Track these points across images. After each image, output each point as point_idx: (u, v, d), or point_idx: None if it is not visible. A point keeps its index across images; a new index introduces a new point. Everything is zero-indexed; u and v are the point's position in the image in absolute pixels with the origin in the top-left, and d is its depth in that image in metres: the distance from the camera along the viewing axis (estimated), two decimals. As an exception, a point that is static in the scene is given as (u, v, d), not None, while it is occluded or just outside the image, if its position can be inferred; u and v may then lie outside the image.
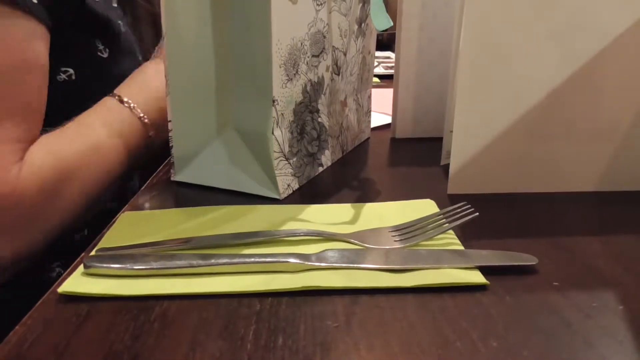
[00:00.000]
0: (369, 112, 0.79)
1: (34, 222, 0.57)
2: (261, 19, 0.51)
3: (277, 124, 0.54)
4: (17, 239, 0.56)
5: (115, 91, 0.68)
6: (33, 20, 0.57)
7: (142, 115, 0.68)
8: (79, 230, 0.70)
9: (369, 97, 0.79)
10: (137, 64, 0.76)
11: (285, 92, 0.54)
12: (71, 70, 0.67)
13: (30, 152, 0.57)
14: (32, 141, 0.58)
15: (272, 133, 0.54)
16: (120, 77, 0.72)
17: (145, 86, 0.70)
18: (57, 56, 0.61)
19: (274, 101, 0.53)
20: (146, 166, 0.71)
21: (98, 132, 0.63)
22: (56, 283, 0.40)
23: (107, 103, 0.67)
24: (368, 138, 0.80)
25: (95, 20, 0.69)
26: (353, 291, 0.39)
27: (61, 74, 0.66)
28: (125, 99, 0.67)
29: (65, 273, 0.41)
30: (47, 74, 0.60)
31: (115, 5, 0.76)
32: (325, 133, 0.64)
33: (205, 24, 0.55)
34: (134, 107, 0.67)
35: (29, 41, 0.57)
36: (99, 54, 0.70)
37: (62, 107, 0.61)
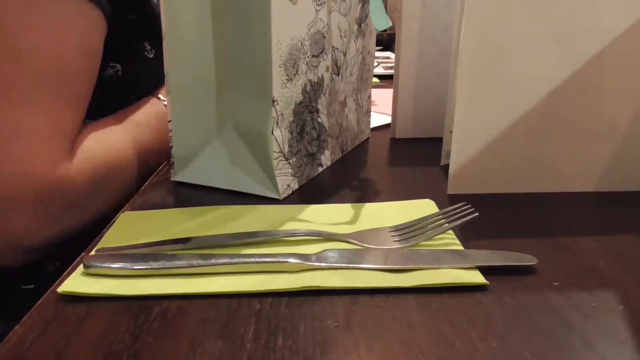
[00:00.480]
0: (368, 112, 0.80)
1: (77, 211, 0.58)
2: (261, 19, 0.50)
3: (277, 124, 0.54)
4: (58, 225, 0.57)
5: (158, 94, 0.71)
6: (98, 11, 0.59)
7: None
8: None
9: (369, 97, 0.79)
10: None
11: (285, 92, 0.54)
12: (118, 66, 0.69)
13: (82, 142, 0.58)
14: (78, 129, 0.59)
15: (272, 133, 0.54)
16: (162, 78, 0.74)
17: None
18: (108, 51, 0.63)
19: (273, 101, 0.53)
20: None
21: (144, 131, 0.66)
22: (56, 283, 0.40)
23: (153, 103, 0.70)
24: (368, 138, 0.80)
25: (150, 22, 0.70)
26: (353, 291, 0.39)
27: (109, 69, 0.68)
28: (165, 99, 0.69)
29: (65, 273, 0.41)
30: (99, 63, 0.62)
31: None
32: (324, 133, 0.64)
33: (205, 24, 0.55)
34: None
35: (92, 32, 0.59)
36: (145, 53, 0.72)
37: (104, 100, 0.63)
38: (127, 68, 0.69)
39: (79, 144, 0.58)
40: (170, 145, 0.59)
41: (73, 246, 0.66)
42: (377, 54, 1.73)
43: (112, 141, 0.62)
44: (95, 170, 0.58)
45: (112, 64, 0.68)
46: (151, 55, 0.73)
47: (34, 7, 0.55)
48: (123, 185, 0.63)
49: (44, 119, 0.55)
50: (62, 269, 0.42)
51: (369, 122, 0.80)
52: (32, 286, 0.65)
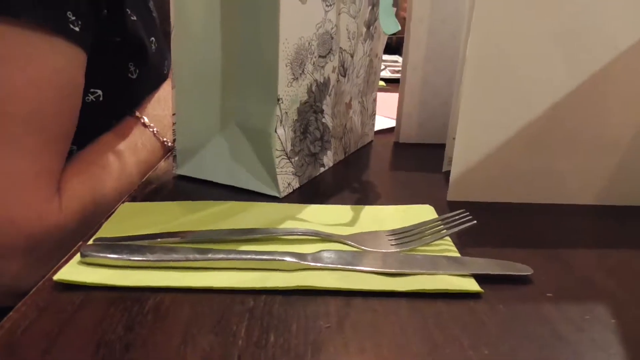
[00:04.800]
0: (373, 115, 0.80)
1: (68, 250, 0.57)
2: (269, 17, 0.51)
3: (281, 123, 0.54)
4: (49, 265, 0.56)
5: (138, 113, 0.70)
6: (75, 48, 0.57)
7: (164, 139, 0.71)
8: None
9: (374, 100, 0.79)
10: (162, 80, 0.77)
11: (290, 91, 0.54)
12: (99, 92, 0.67)
13: (67, 183, 0.57)
14: (62, 168, 0.58)
15: (275, 131, 0.54)
16: (144, 95, 0.73)
17: (166, 106, 0.73)
18: (89, 78, 0.61)
19: (278, 100, 0.53)
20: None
21: (129, 163, 0.65)
22: (52, 270, 0.40)
23: (133, 127, 0.69)
24: (371, 141, 0.80)
25: (135, 42, 0.69)
26: (347, 293, 0.39)
27: (89, 95, 0.66)
28: (149, 123, 0.69)
29: (62, 261, 0.41)
30: (81, 100, 0.60)
31: (153, 13, 0.77)
32: (328, 134, 0.64)
33: (214, 19, 0.55)
34: (157, 132, 0.70)
35: (70, 69, 0.57)
36: (129, 75, 0.71)
37: (82, 126, 0.61)
38: (109, 92, 0.68)
39: (65, 186, 0.57)
40: (173, 138, 0.59)
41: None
42: (385, 56, 1.73)
43: (102, 183, 0.61)
44: (85, 209, 0.57)
45: (92, 90, 0.66)
46: (134, 76, 0.71)
47: (6, 51, 0.53)
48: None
49: (26, 163, 0.54)
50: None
51: (373, 125, 0.80)
52: None
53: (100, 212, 0.58)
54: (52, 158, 0.57)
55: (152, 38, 0.74)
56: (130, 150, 0.66)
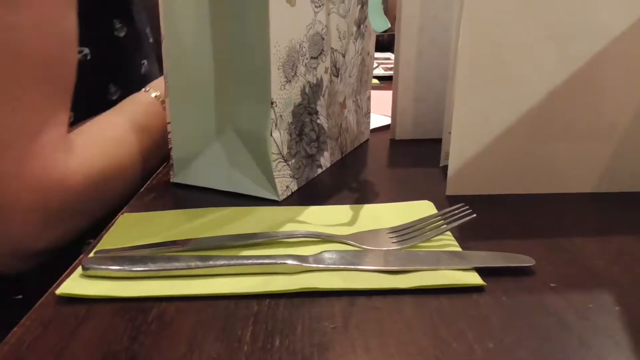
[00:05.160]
0: (368, 113, 0.80)
1: (76, 216, 0.57)
2: (259, 21, 0.51)
3: (276, 126, 0.54)
4: (58, 230, 0.56)
5: (149, 87, 0.69)
6: None
7: None
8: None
9: (368, 98, 0.79)
10: (148, 46, 0.77)
11: (284, 94, 0.54)
12: (86, 50, 0.66)
13: (79, 144, 0.57)
14: (67, 121, 0.57)
15: (271, 135, 0.54)
16: (134, 59, 0.72)
17: None
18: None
19: (272, 103, 0.53)
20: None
21: (144, 136, 0.64)
22: (55, 284, 0.40)
23: (151, 103, 0.68)
24: (367, 139, 0.80)
25: None
26: (350, 293, 0.39)
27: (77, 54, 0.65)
28: (162, 98, 0.68)
29: (64, 275, 0.41)
30: (77, 50, 0.59)
31: None
32: (324, 135, 0.64)
33: (204, 26, 0.55)
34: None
35: (68, 11, 0.56)
36: (115, 33, 0.70)
37: (79, 89, 0.60)
38: (96, 51, 0.66)
39: (77, 150, 0.56)
40: (169, 147, 0.59)
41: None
42: (377, 54, 1.73)
43: (113, 147, 0.61)
44: (94, 174, 0.57)
45: (79, 49, 0.64)
46: (122, 35, 0.70)
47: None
48: (123, 190, 0.62)
49: (32, 115, 0.53)
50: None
51: (368, 123, 0.80)
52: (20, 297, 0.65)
53: (111, 184, 0.59)
54: (57, 111, 0.55)
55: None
56: (146, 122, 0.66)
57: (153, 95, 0.68)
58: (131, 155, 0.63)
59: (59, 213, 0.55)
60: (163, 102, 0.68)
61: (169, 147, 0.59)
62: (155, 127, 0.67)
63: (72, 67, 0.58)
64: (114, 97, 0.71)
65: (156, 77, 0.78)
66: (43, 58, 0.53)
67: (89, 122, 0.62)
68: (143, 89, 0.69)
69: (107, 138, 0.61)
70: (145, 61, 0.76)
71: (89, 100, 0.64)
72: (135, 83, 0.73)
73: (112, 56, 0.70)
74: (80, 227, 0.59)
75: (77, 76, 0.59)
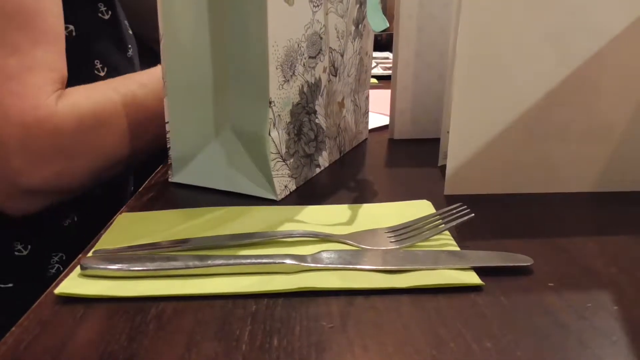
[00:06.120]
0: (366, 113, 0.80)
1: (67, 155, 0.58)
2: (257, 20, 0.51)
3: (274, 125, 0.54)
4: (51, 167, 0.57)
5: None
6: None
7: None
8: (66, 216, 0.70)
9: (367, 98, 0.79)
10: (130, 37, 0.78)
11: (282, 94, 0.54)
12: (71, 27, 0.68)
13: (71, 91, 0.58)
14: (64, 72, 0.59)
15: (269, 134, 0.54)
16: (119, 41, 0.73)
17: None
18: None
19: (270, 102, 0.53)
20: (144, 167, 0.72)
21: (134, 86, 0.65)
22: (53, 284, 0.40)
23: (157, 67, 0.68)
24: (366, 139, 0.80)
25: None
26: (348, 292, 0.39)
27: None
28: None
29: (62, 274, 0.41)
30: (62, 7, 0.61)
31: None
32: (322, 134, 0.64)
33: (202, 26, 0.55)
34: None
35: None
36: (99, 15, 0.71)
37: (67, 64, 0.62)
38: (81, 29, 0.68)
39: (66, 95, 0.58)
40: (168, 146, 0.59)
41: (65, 236, 0.66)
42: (376, 54, 1.73)
43: (107, 95, 0.62)
44: (82, 116, 0.58)
45: (65, 25, 0.66)
46: (106, 17, 0.72)
47: None
48: (119, 139, 0.63)
49: (17, 57, 0.55)
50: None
51: (367, 123, 0.80)
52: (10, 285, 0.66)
53: (105, 127, 0.60)
54: (47, 55, 0.57)
55: None
56: (150, 82, 0.67)
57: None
58: (125, 106, 0.63)
59: (50, 151, 0.57)
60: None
61: (167, 146, 0.59)
62: (150, 92, 0.68)
63: (53, 13, 0.59)
64: (102, 74, 0.72)
65: (139, 67, 0.79)
66: (19, 5, 0.55)
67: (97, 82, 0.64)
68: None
69: (102, 86, 0.63)
70: (130, 46, 0.77)
71: (75, 74, 0.65)
72: (121, 64, 0.74)
73: (97, 34, 0.71)
74: (71, 171, 0.60)
75: (67, 50, 0.61)
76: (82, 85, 0.62)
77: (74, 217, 0.71)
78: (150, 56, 0.78)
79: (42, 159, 0.56)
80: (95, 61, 0.70)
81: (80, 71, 0.66)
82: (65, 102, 0.57)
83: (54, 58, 0.59)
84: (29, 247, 0.67)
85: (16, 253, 0.67)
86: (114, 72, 0.71)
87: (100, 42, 0.71)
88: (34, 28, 0.57)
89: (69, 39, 0.66)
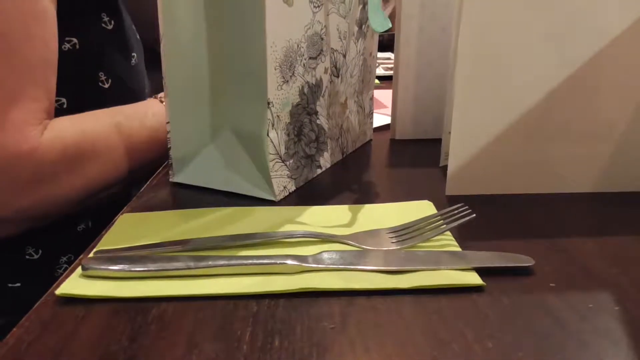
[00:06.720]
0: (370, 114, 0.79)
1: (49, 185, 0.58)
2: (256, 21, 0.51)
3: (273, 126, 0.54)
4: (30, 197, 0.57)
5: (161, 96, 0.70)
6: None
7: None
8: (81, 221, 0.70)
9: (371, 98, 0.79)
10: (137, 42, 0.78)
11: (281, 94, 0.54)
12: (75, 40, 0.67)
13: (53, 120, 0.58)
14: (50, 100, 0.58)
15: (268, 135, 0.54)
16: (123, 51, 0.73)
17: None
18: (63, 26, 0.62)
19: (269, 103, 0.53)
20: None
21: (132, 126, 0.65)
22: (54, 285, 0.40)
23: (150, 103, 0.69)
24: (370, 140, 0.80)
25: None
26: (350, 293, 0.39)
27: (66, 44, 0.66)
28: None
29: (63, 275, 0.41)
30: (56, 29, 0.60)
31: None
32: (324, 135, 0.64)
33: (202, 27, 0.55)
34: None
35: None
36: (103, 25, 0.71)
37: (64, 76, 0.61)
38: (85, 42, 0.68)
39: (50, 126, 0.58)
40: (168, 146, 0.59)
41: (77, 240, 0.67)
42: (378, 54, 1.73)
43: (90, 125, 0.61)
44: (67, 147, 0.58)
45: (67, 39, 0.66)
46: (110, 27, 0.72)
47: None
48: (105, 170, 0.63)
49: None
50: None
51: (371, 123, 0.80)
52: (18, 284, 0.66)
53: (88, 158, 0.60)
54: (30, 86, 0.57)
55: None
56: (136, 115, 0.66)
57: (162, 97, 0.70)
58: (109, 136, 0.63)
59: (30, 182, 0.56)
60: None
61: (168, 147, 0.59)
62: (154, 127, 0.67)
63: (43, 45, 0.58)
64: (106, 86, 0.72)
65: (145, 73, 0.79)
66: (2, 32, 0.54)
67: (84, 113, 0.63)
68: (154, 97, 0.71)
69: (86, 117, 0.62)
70: (135, 54, 0.77)
71: (80, 87, 0.65)
72: (125, 73, 0.74)
73: (101, 46, 0.71)
74: (53, 198, 0.59)
75: (66, 64, 0.61)
76: (67, 115, 0.61)
77: (88, 223, 0.71)
78: (152, 60, 0.79)
79: (22, 191, 0.56)
80: (100, 73, 0.70)
81: (84, 84, 0.66)
82: (49, 134, 0.57)
83: (38, 87, 0.58)
84: (40, 251, 0.67)
85: (27, 257, 0.67)
86: (118, 82, 0.71)
87: (104, 52, 0.71)
88: (19, 57, 0.56)
89: (72, 53, 0.67)
